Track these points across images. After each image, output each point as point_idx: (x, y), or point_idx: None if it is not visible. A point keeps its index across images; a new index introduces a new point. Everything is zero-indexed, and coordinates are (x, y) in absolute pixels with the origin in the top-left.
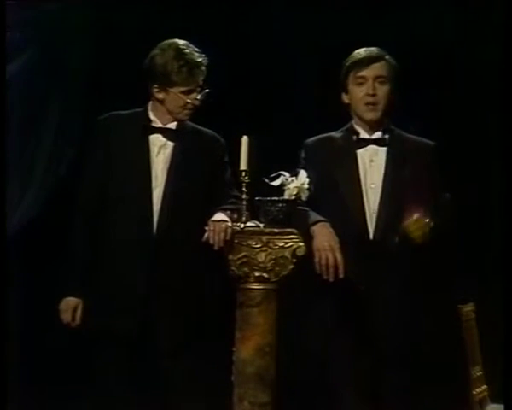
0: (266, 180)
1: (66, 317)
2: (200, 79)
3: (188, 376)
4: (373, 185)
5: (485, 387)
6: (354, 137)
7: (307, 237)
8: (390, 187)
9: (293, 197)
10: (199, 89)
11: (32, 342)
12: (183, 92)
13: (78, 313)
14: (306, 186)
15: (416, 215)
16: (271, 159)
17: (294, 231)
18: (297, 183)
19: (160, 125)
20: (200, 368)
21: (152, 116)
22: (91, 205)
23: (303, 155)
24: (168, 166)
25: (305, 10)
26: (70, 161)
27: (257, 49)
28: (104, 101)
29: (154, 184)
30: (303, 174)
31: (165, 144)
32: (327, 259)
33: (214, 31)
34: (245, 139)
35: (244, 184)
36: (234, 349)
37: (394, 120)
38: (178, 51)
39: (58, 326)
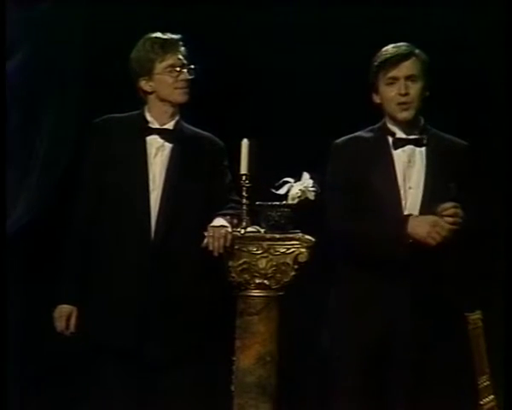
0: (273, 190)
1: (60, 325)
2: (178, 53)
3: (187, 385)
4: (411, 187)
5: (492, 397)
6: (390, 138)
7: None
8: (431, 190)
9: (296, 200)
10: (181, 66)
11: (30, 347)
12: (165, 69)
13: (73, 320)
14: (311, 188)
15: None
16: (272, 162)
17: (296, 236)
18: (300, 185)
19: (157, 125)
20: (200, 377)
21: (149, 117)
22: (87, 209)
23: (332, 155)
24: (166, 167)
25: (306, 10)
26: (65, 165)
27: (257, 50)
28: (100, 103)
29: (151, 186)
30: (306, 176)
31: (162, 146)
32: None
33: (213, 32)
34: (245, 142)
35: (244, 189)
36: (234, 358)
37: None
38: (149, 37)
39: (54, 333)
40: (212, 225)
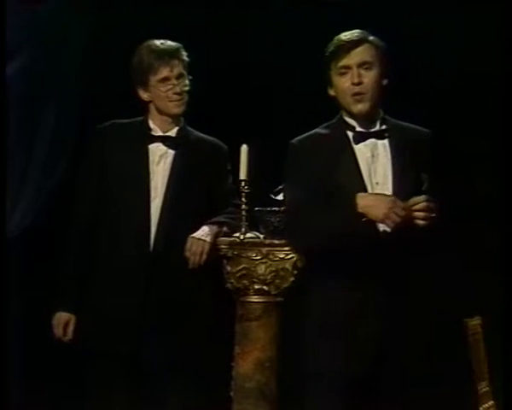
0: (272, 196)
1: (57, 331)
2: (175, 66)
3: (186, 391)
4: (378, 183)
5: (492, 403)
6: (350, 133)
7: None
8: (399, 183)
9: None
10: (177, 77)
11: (29, 352)
12: (159, 81)
13: (71, 328)
14: None
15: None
16: (272, 167)
17: None
18: None
19: (159, 133)
20: (199, 383)
21: (151, 125)
22: (86, 216)
23: (291, 157)
24: (168, 175)
25: (305, 12)
26: (64, 172)
27: (257, 54)
28: (101, 108)
29: (152, 194)
30: None
31: (165, 153)
32: None
33: (213, 36)
34: (244, 148)
35: (243, 194)
36: (233, 364)
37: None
38: (148, 45)
39: (52, 339)
40: (192, 235)
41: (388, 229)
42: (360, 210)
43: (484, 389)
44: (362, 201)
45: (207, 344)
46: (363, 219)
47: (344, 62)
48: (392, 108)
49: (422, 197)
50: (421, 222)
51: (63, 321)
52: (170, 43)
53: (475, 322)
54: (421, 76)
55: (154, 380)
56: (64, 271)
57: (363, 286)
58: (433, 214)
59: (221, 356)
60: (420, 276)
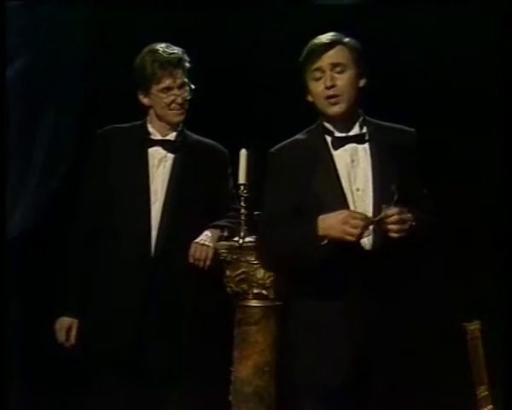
0: None
1: (60, 336)
2: (178, 76)
3: (185, 397)
4: (358, 189)
5: (491, 407)
6: (328, 138)
7: None
8: (381, 189)
9: None
10: (179, 87)
11: (29, 355)
12: (161, 91)
13: (73, 332)
14: None
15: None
16: None
17: None
18: None
19: (159, 137)
20: (198, 388)
21: (150, 128)
22: (88, 222)
23: (269, 167)
24: (168, 179)
25: (304, 15)
26: (63, 174)
27: (257, 58)
28: (100, 112)
29: (153, 198)
30: None
31: (165, 157)
32: None
33: (212, 38)
34: (243, 152)
35: (243, 199)
36: (232, 368)
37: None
38: (152, 50)
39: (53, 342)
40: (196, 241)
41: (367, 246)
42: (321, 233)
43: (483, 394)
44: (322, 224)
45: (207, 348)
46: (324, 243)
47: (316, 66)
48: (378, 110)
49: (394, 210)
50: (395, 235)
51: (66, 326)
52: (173, 49)
53: (474, 326)
54: (407, 77)
55: (154, 385)
56: (66, 276)
57: (345, 296)
58: (408, 225)
59: (220, 360)
60: (409, 283)
